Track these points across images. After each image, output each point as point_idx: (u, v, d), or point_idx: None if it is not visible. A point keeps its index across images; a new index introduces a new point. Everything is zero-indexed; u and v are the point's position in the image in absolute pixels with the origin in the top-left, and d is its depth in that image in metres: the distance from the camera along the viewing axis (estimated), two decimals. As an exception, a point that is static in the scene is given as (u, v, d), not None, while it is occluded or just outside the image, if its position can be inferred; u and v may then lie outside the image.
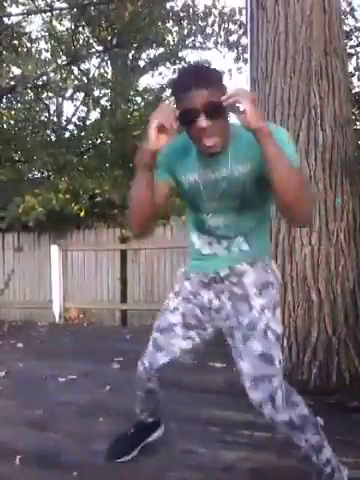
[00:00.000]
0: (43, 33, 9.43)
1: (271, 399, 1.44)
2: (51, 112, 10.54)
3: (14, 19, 8.38)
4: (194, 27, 10.36)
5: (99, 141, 9.21)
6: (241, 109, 1.21)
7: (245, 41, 9.40)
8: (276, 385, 1.44)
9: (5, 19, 8.01)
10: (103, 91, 9.05)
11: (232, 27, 10.13)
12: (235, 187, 1.40)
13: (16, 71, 8.81)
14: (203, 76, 1.27)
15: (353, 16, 5.90)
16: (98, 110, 9.62)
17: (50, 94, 9.73)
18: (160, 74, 11.71)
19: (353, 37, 5.46)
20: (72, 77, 8.41)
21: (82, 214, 5.61)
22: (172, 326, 1.62)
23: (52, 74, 8.05)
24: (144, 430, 2.02)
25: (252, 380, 1.45)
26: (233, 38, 10.34)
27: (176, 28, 10.37)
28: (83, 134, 9.19)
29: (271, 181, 1.25)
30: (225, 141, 1.34)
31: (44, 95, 9.74)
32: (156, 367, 1.67)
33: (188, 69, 1.54)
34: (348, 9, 5.87)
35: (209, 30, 10.41)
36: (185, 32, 10.49)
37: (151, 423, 2.01)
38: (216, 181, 1.41)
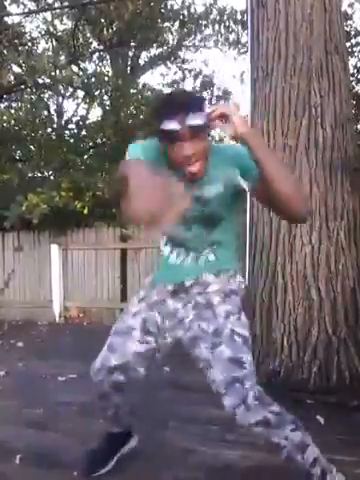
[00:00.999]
0: (44, 32, 9.42)
1: (243, 401, 1.39)
2: (51, 111, 10.54)
3: (15, 18, 8.39)
4: (194, 26, 10.35)
5: (100, 141, 9.20)
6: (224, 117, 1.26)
7: (245, 39, 9.40)
8: (247, 387, 1.41)
9: (6, 18, 8.00)
10: (104, 90, 9.03)
11: (233, 26, 10.12)
12: (205, 205, 1.44)
13: (16, 71, 8.80)
14: (185, 101, 1.29)
15: (351, 19, 5.90)
16: (99, 109, 9.62)
17: (50, 93, 9.72)
18: (160, 74, 11.72)
19: (353, 38, 5.47)
20: (75, 76, 8.38)
21: (85, 212, 5.60)
22: (130, 329, 1.58)
23: (57, 72, 8.03)
24: (114, 440, 1.90)
25: (224, 386, 1.42)
26: (233, 37, 10.34)
27: (176, 26, 10.35)
28: (84, 133, 9.18)
29: (265, 178, 1.27)
30: (205, 165, 1.36)
31: (46, 95, 9.74)
32: (107, 368, 1.60)
33: (169, 97, 1.46)
34: (349, 11, 5.87)
35: (209, 30, 10.42)
36: (185, 30, 10.48)
37: (119, 433, 1.89)
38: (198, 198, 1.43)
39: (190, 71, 11.32)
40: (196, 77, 11.19)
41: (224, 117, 1.27)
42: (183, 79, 11.51)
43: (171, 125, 1.25)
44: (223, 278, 1.55)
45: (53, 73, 7.93)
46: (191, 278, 1.55)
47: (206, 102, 1.36)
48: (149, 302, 1.60)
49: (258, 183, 1.34)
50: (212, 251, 1.54)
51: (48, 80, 7.96)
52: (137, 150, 1.48)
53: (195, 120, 1.24)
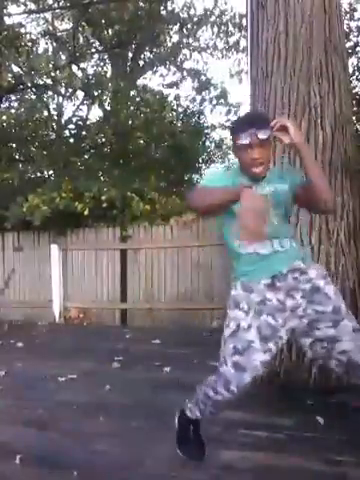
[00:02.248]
0: (44, 33, 9.41)
1: None
2: (51, 112, 10.53)
3: (15, 19, 8.39)
4: (195, 27, 10.36)
5: (100, 142, 9.21)
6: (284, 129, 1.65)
7: (244, 43, 9.43)
8: None
9: (6, 18, 8.00)
10: (104, 91, 9.03)
11: (232, 29, 10.13)
12: (280, 198, 1.73)
13: (16, 71, 8.79)
14: (254, 119, 1.73)
15: (352, 18, 5.90)
16: (99, 110, 9.63)
17: (50, 93, 9.72)
18: (160, 75, 11.70)
19: (352, 37, 5.46)
20: (75, 77, 8.38)
21: (86, 213, 5.60)
22: (250, 343, 1.66)
23: (57, 73, 8.03)
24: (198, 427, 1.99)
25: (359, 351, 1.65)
26: (233, 39, 10.35)
27: (176, 27, 10.36)
28: (84, 133, 9.18)
29: (309, 179, 1.65)
30: (268, 166, 1.74)
31: (46, 95, 9.73)
32: (242, 387, 1.69)
33: (242, 116, 1.94)
34: (348, 10, 5.86)
35: (208, 33, 10.44)
36: (184, 32, 10.49)
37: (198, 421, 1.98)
38: (266, 195, 1.72)
39: (189, 72, 11.33)
40: (195, 78, 11.21)
41: (284, 128, 1.64)
42: (181, 80, 11.54)
43: (244, 140, 1.66)
44: (310, 263, 1.79)
45: (53, 74, 7.94)
46: (285, 266, 1.72)
47: (269, 118, 1.79)
48: (255, 309, 1.69)
49: (300, 188, 1.73)
50: (290, 240, 1.77)
51: (48, 81, 7.97)
52: (215, 175, 1.93)
53: (261, 134, 1.64)
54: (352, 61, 5.65)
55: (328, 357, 1.72)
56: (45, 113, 9.89)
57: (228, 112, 11.35)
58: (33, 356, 3.92)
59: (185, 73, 11.42)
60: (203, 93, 11.02)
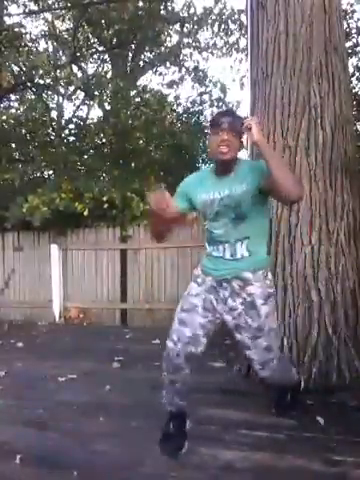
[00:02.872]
0: (44, 33, 9.42)
1: (273, 370, 2.05)
2: (51, 112, 10.53)
3: (15, 19, 8.39)
4: (195, 26, 10.37)
5: (100, 142, 9.20)
6: (250, 128, 1.81)
7: (244, 42, 9.43)
8: (275, 362, 2.04)
9: (6, 18, 8.01)
10: (104, 91, 9.03)
11: (232, 27, 10.14)
12: (234, 202, 1.89)
13: (16, 71, 8.80)
14: (228, 113, 2.05)
15: (351, 17, 5.91)
16: (99, 110, 9.62)
17: (50, 93, 9.72)
18: (160, 74, 11.70)
19: (353, 37, 5.47)
20: (75, 77, 8.39)
21: (85, 213, 5.60)
22: (195, 306, 1.99)
23: (58, 72, 8.04)
24: (179, 420, 2.11)
25: (260, 364, 2.02)
26: (233, 39, 10.37)
27: (176, 27, 10.37)
28: (85, 133, 9.18)
29: (271, 172, 1.76)
30: (234, 155, 1.89)
31: (46, 95, 9.73)
32: (183, 340, 1.96)
33: (220, 111, 2.23)
34: (349, 10, 5.87)
35: (208, 32, 10.44)
36: (185, 31, 10.50)
37: (179, 414, 2.11)
38: (221, 198, 1.91)
39: (189, 71, 11.34)
40: (195, 77, 11.22)
41: (249, 128, 1.81)
42: (182, 78, 11.56)
43: (215, 125, 1.86)
44: (260, 278, 1.94)
45: (53, 73, 7.94)
46: (231, 273, 1.94)
47: (242, 117, 1.94)
48: (206, 286, 2.01)
49: (264, 181, 1.83)
50: (243, 246, 1.93)
51: (48, 80, 7.96)
52: (179, 189, 2.09)
53: (231, 120, 1.85)
54: (352, 61, 5.66)
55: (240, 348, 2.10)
56: (45, 113, 9.89)
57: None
58: (33, 356, 3.92)
59: (184, 71, 11.44)
60: (203, 91, 11.05)
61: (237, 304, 1.95)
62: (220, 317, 2.00)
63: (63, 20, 9.51)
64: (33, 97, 9.66)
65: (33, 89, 9.06)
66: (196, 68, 11.22)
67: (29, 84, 8.09)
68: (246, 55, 9.87)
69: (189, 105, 10.59)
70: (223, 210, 1.91)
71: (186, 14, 10.09)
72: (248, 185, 1.87)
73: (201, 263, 2.09)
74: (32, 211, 5.59)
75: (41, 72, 7.84)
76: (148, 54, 11.25)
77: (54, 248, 5.81)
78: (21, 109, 9.70)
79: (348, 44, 5.30)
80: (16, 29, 7.94)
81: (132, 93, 9.39)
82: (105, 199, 5.61)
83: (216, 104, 10.76)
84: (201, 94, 10.88)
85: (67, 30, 9.37)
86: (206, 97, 10.80)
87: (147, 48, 10.63)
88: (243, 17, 9.15)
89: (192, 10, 10.11)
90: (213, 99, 10.75)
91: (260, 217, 1.96)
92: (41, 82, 8.49)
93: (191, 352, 1.96)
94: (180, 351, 1.96)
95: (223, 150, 1.84)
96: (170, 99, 10.10)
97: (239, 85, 10.18)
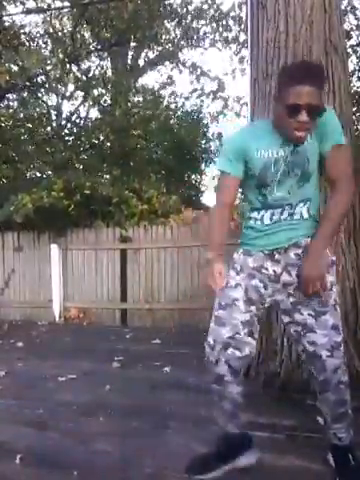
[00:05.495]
0: (42, 32, 9.40)
1: (342, 362, 1.71)
2: (50, 111, 10.52)
3: (14, 18, 8.38)
4: (193, 23, 10.37)
5: (98, 141, 9.20)
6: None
7: (243, 37, 9.43)
8: (343, 350, 1.70)
9: (5, 18, 7.99)
10: (102, 90, 9.03)
11: (231, 23, 10.14)
12: (302, 159, 1.61)
13: (15, 70, 8.78)
14: (314, 74, 1.52)
15: (354, 14, 5.89)
16: (97, 109, 9.61)
17: (49, 92, 9.72)
18: (158, 72, 11.75)
19: (353, 36, 5.46)
20: (71, 75, 8.37)
21: (70, 209, 5.56)
22: (234, 301, 1.69)
23: (52, 71, 8.02)
24: (229, 444, 1.82)
25: (329, 350, 1.65)
26: (232, 35, 10.36)
27: (174, 23, 10.36)
28: (83, 133, 9.18)
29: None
30: (310, 133, 1.59)
31: (44, 95, 9.73)
32: (221, 342, 1.68)
33: (301, 63, 1.73)
34: (349, 8, 5.86)
35: (207, 28, 10.44)
36: (182, 30, 10.50)
37: (236, 436, 1.81)
38: (286, 156, 1.62)
39: (185, 65, 11.37)
40: (192, 72, 11.26)
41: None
42: (180, 72, 11.60)
43: (296, 97, 1.49)
44: None
45: (52, 73, 7.93)
46: (289, 242, 1.66)
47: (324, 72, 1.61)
48: (248, 272, 1.71)
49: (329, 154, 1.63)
50: (305, 207, 1.68)
51: (45, 78, 7.95)
52: (231, 145, 1.74)
53: (316, 99, 1.50)
54: (352, 59, 5.65)
55: (297, 340, 1.73)
56: (43, 111, 9.89)
57: (225, 106, 11.40)
58: (33, 356, 3.92)
59: (182, 68, 11.47)
60: (201, 86, 11.10)
61: (293, 278, 1.66)
62: (270, 301, 1.73)
63: (61, 20, 9.50)
64: (31, 96, 9.66)
65: (31, 88, 9.04)
66: (194, 64, 11.25)
67: (27, 83, 8.08)
68: (238, 45, 9.88)
69: (187, 100, 10.64)
70: (288, 170, 1.62)
71: (184, 10, 10.08)
72: (316, 141, 1.62)
73: (243, 238, 1.77)
74: (18, 209, 5.58)
75: (40, 71, 7.83)
76: (148, 52, 11.25)
77: (54, 248, 5.81)
78: (20, 108, 9.70)
79: (349, 43, 5.28)
80: (14, 28, 7.94)
81: (131, 91, 9.40)
82: (102, 197, 5.60)
83: (213, 96, 10.80)
84: (195, 90, 10.91)
85: (65, 29, 9.36)
86: (201, 89, 10.84)
87: (146, 46, 10.62)
88: (240, 7, 9.16)
89: (190, 7, 10.11)
90: (208, 92, 10.81)
91: (317, 178, 1.72)
92: (40, 81, 8.48)
93: (234, 356, 1.67)
94: (219, 356, 1.68)
95: (299, 135, 1.55)
96: (168, 95, 10.14)
97: (237, 76, 10.23)
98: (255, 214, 1.73)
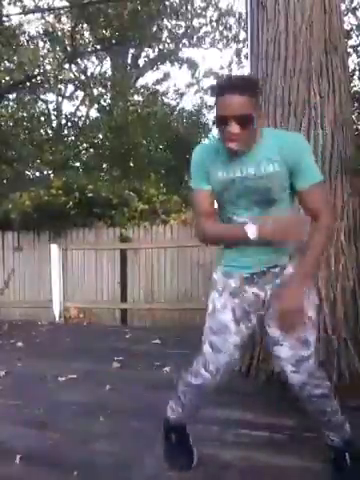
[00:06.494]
0: (41, 31, 9.40)
1: (309, 376, 1.64)
2: (50, 111, 10.52)
3: (13, 18, 8.38)
4: (193, 21, 10.39)
5: (97, 140, 9.20)
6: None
7: (243, 36, 9.43)
8: (311, 364, 1.65)
9: (4, 18, 7.99)
10: (102, 90, 9.04)
11: (231, 21, 10.16)
12: (260, 184, 1.56)
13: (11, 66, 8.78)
14: (239, 84, 1.47)
15: (354, 14, 5.88)
16: (97, 108, 9.61)
17: (49, 92, 9.72)
18: (157, 69, 11.74)
19: (353, 36, 5.46)
20: (70, 74, 8.38)
21: (69, 207, 5.55)
22: (225, 325, 1.68)
23: (49, 67, 8.02)
24: (186, 431, 1.98)
25: (293, 364, 1.63)
26: (231, 33, 10.37)
27: (173, 22, 10.37)
28: (82, 132, 9.18)
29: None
30: (248, 145, 1.54)
31: (43, 94, 9.73)
32: (222, 369, 1.70)
33: (228, 77, 1.77)
34: (350, 7, 5.85)
35: (207, 27, 10.45)
36: (183, 29, 10.51)
37: (185, 429, 1.97)
38: (243, 178, 1.57)
39: (185, 62, 11.39)
40: (190, 69, 11.28)
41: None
42: (180, 67, 11.63)
43: (222, 109, 1.47)
44: (295, 257, 1.65)
45: (52, 72, 7.93)
46: (266, 264, 1.63)
47: (259, 84, 1.62)
48: (231, 291, 1.69)
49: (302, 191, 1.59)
50: None
51: (44, 78, 7.95)
52: (195, 165, 1.69)
53: (243, 108, 1.45)
54: (352, 59, 5.64)
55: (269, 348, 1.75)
56: (42, 111, 9.89)
57: None
58: (33, 356, 3.92)
59: (180, 65, 11.49)
60: (199, 83, 11.11)
61: (267, 292, 1.66)
62: (256, 316, 1.71)
63: (60, 20, 9.50)
64: (29, 95, 9.66)
65: (31, 88, 9.05)
66: (191, 61, 11.27)
67: (28, 83, 8.09)
68: (236, 40, 9.84)
69: (181, 97, 10.66)
70: (247, 193, 1.58)
71: (184, 8, 10.09)
72: (284, 170, 1.56)
73: (219, 261, 1.75)
74: (15, 208, 5.59)
75: (40, 71, 7.84)
76: (147, 52, 11.27)
77: (54, 248, 5.81)
78: (19, 108, 9.70)
79: (350, 42, 5.27)
80: (14, 28, 7.94)
81: (130, 90, 9.40)
82: (102, 197, 5.60)
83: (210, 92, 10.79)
84: (190, 84, 10.93)
85: (65, 29, 9.36)
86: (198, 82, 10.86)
87: (145, 46, 10.63)
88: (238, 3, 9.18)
89: (190, 6, 10.11)
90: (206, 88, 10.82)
91: (289, 200, 1.66)
92: (39, 81, 8.49)
93: (227, 372, 1.74)
94: (219, 381, 1.73)
95: (232, 146, 1.51)
96: (163, 91, 10.16)
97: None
98: None
